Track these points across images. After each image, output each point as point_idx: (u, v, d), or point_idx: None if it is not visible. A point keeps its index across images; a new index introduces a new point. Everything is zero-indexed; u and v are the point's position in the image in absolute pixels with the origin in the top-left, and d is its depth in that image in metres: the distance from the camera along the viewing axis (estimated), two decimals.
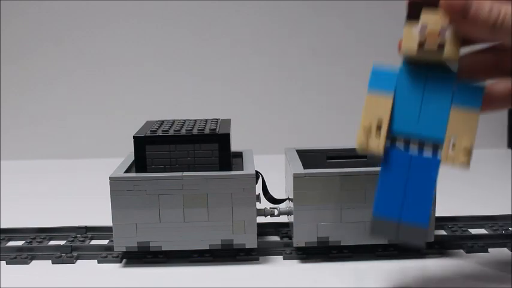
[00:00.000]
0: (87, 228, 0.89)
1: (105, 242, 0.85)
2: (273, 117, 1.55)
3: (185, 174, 0.76)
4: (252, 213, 0.76)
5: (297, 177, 0.76)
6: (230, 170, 0.78)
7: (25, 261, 0.80)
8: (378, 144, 0.64)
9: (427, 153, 0.64)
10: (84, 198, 1.13)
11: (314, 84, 1.54)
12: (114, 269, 0.78)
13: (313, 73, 1.54)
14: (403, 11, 0.66)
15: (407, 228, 0.64)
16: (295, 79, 1.54)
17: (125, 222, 0.76)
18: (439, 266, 0.76)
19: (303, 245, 0.77)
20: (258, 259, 0.79)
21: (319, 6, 1.51)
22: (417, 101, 0.64)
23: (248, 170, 0.78)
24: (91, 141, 1.53)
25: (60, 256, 0.80)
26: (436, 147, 0.64)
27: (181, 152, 0.78)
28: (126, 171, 0.79)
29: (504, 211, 0.95)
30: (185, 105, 1.52)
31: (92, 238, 0.87)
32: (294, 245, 0.78)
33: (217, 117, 0.89)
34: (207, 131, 0.79)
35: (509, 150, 1.53)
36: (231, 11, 1.51)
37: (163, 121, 0.87)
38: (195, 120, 0.87)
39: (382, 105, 0.64)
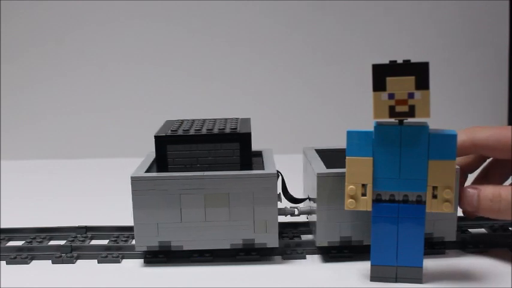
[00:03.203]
0: (87, 228, 0.89)
1: (105, 242, 0.86)
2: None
3: (206, 173, 0.76)
4: (273, 213, 0.76)
5: (320, 177, 0.76)
6: (251, 169, 0.78)
7: (25, 261, 0.80)
8: (365, 204, 0.69)
9: (412, 200, 0.69)
10: (84, 198, 1.13)
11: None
12: (114, 269, 0.78)
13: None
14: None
15: (404, 269, 0.70)
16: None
17: (147, 221, 0.76)
18: (439, 266, 0.76)
19: (326, 244, 0.77)
20: (258, 259, 0.79)
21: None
22: (396, 158, 0.68)
23: (269, 169, 0.78)
24: (91, 141, 1.53)
25: (60, 256, 0.80)
26: (420, 195, 0.68)
27: (202, 152, 0.78)
28: (147, 171, 0.79)
29: None
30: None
31: (92, 238, 0.87)
32: (317, 245, 0.78)
33: (237, 117, 0.88)
34: (227, 130, 0.79)
35: None
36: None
37: (183, 120, 0.87)
38: (215, 120, 0.87)
39: (363, 168, 0.69)
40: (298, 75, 1.54)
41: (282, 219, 0.88)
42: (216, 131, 0.79)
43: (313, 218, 0.80)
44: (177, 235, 0.76)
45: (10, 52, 1.51)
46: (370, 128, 0.69)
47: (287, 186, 0.84)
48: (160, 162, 0.79)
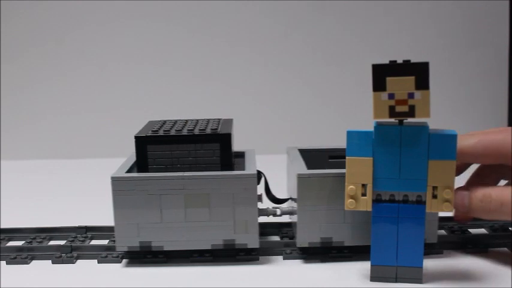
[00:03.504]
0: (87, 228, 0.89)
1: (105, 242, 0.86)
2: (274, 116, 1.54)
3: (187, 174, 0.76)
4: (253, 213, 0.76)
5: (300, 178, 0.76)
6: (232, 169, 0.78)
7: (25, 261, 0.80)
8: (365, 204, 0.69)
9: (412, 200, 0.69)
10: (84, 198, 1.13)
11: (316, 84, 1.54)
12: (114, 269, 0.78)
13: (315, 72, 1.53)
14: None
15: (404, 269, 0.70)
16: (297, 78, 1.54)
17: (127, 222, 0.76)
18: (439, 266, 0.76)
19: (306, 245, 0.77)
20: (258, 259, 0.79)
21: (323, 5, 1.51)
22: (396, 158, 0.68)
23: (249, 169, 0.78)
24: (91, 141, 1.53)
25: (60, 256, 0.80)
26: (420, 195, 0.68)
27: (182, 152, 0.78)
28: (128, 171, 0.79)
29: None
30: (187, 105, 1.52)
31: (92, 238, 0.87)
32: (297, 246, 0.78)
33: (219, 117, 0.89)
34: (208, 131, 0.79)
35: None
36: (233, 10, 1.51)
37: (165, 121, 0.87)
38: (197, 120, 0.87)
39: (363, 168, 0.69)
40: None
41: (283, 219, 0.88)
42: (196, 131, 0.79)
43: (294, 218, 0.80)
44: (157, 235, 0.77)
45: (10, 52, 1.51)
46: (370, 128, 0.69)
47: (270, 187, 0.84)
48: (141, 163, 0.79)
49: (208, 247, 0.77)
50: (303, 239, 0.77)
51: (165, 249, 0.77)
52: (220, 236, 0.77)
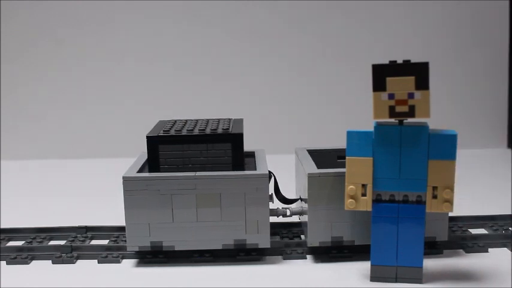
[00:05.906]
0: (87, 228, 0.89)
1: (105, 242, 0.86)
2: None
3: (198, 174, 0.76)
4: (265, 213, 0.76)
5: (311, 177, 0.76)
6: (243, 169, 0.78)
7: (25, 261, 0.80)
8: (365, 204, 0.69)
9: (412, 200, 0.69)
10: (84, 198, 1.13)
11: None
12: (114, 269, 0.78)
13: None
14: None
15: (404, 269, 0.70)
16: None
17: (138, 221, 0.76)
18: (439, 266, 0.76)
19: (317, 244, 0.77)
20: (258, 259, 0.79)
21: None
22: (396, 158, 0.68)
23: (261, 169, 0.78)
24: (91, 141, 1.53)
25: (60, 256, 0.80)
26: (420, 195, 0.68)
27: (194, 152, 0.78)
28: (139, 171, 0.79)
29: (504, 211, 0.95)
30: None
31: (92, 238, 0.88)
32: (308, 245, 0.78)
33: (230, 117, 0.88)
34: (220, 130, 0.79)
35: (509, 150, 1.53)
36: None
37: (175, 121, 0.87)
38: (208, 120, 0.87)
39: (363, 168, 0.69)
40: (293, 75, 1.53)
41: (283, 219, 0.88)
42: (208, 131, 0.79)
43: (304, 218, 0.80)
44: (168, 235, 0.76)
45: (10, 52, 1.51)
46: (370, 128, 0.69)
47: (279, 187, 0.84)
48: (152, 163, 0.79)
49: (219, 247, 0.77)
50: (313, 239, 0.77)
51: (176, 249, 0.77)
52: (231, 236, 0.77)
